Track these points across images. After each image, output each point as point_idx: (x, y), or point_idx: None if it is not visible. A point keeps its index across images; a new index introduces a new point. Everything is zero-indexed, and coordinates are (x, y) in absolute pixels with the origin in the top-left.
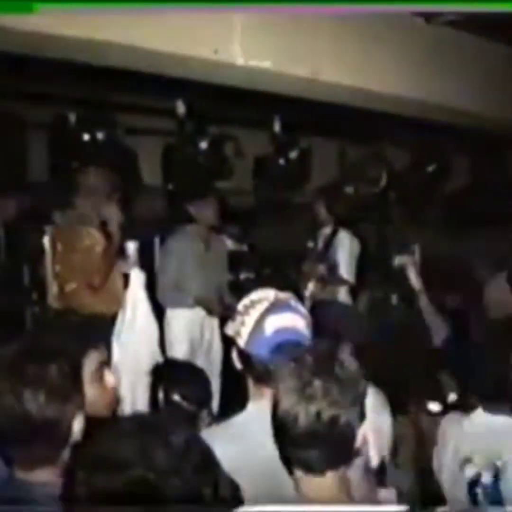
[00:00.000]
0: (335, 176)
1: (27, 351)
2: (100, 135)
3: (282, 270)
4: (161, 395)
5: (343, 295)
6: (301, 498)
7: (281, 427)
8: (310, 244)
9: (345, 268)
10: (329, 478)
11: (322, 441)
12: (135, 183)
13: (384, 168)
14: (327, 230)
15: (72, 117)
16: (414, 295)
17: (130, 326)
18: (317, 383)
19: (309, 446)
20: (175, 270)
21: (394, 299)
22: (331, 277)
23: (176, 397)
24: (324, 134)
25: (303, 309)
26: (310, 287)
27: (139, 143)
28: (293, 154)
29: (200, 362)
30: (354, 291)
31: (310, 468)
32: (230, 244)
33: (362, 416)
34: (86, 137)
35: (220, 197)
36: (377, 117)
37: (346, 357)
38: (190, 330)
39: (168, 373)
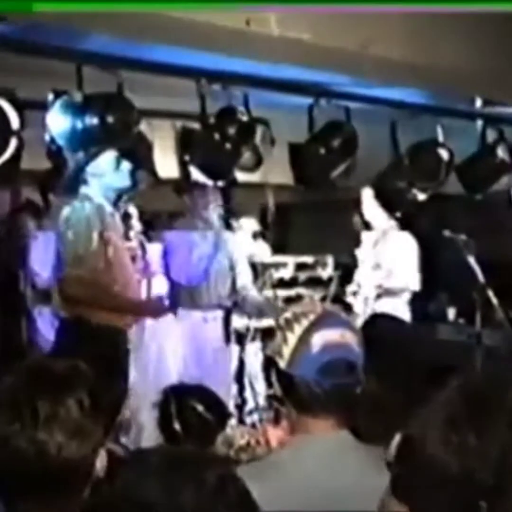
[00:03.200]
0: (385, 168)
1: (38, 380)
2: (110, 118)
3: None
4: (173, 408)
5: (401, 306)
6: None
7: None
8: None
9: (405, 274)
10: None
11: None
12: (150, 174)
13: (443, 160)
14: (375, 234)
15: (77, 96)
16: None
17: (151, 342)
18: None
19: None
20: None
21: (451, 313)
22: (389, 285)
23: (196, 406)
24: (374, 119)
25: (354, 323)
26: (368, 299)
27: (155, 127)
28: (335, 142)
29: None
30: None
31: None
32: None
33: None
34: (94, 120)
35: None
36: (436, 98)
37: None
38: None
39: (181, 388)
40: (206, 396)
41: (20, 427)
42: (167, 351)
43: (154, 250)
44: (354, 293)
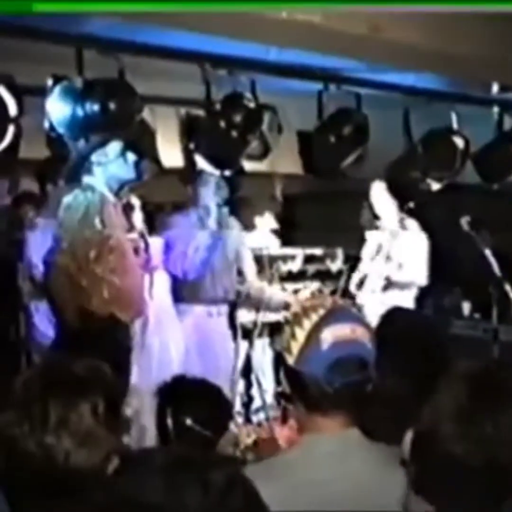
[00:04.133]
0: (398, 157)
1: (53, 381)
2: (111, 105)
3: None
4: (169, 420)
5: (407, 300)
6: None
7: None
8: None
9: (414, 268)
10: None
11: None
12: (153, 163)
13: (459, 148)
14: (385, 226)
15: (78, 82)
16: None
17: (153, 339)
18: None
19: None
20: None
21: (466, 308)
22: (398, 278)
23: (187, 421)
24: (386, 105)
25: (366, 318)
26: (374, 291)
27: (158, 114)
28: (346, 130)
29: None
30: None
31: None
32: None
33: None
34: (95, 106)
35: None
36: (450, 84)
37: None
38: None
39: (178, 392)
40: (206, 398)
41: (29, 428)
42: (171, 348)
43: (155, 244)
44: (361, 284)
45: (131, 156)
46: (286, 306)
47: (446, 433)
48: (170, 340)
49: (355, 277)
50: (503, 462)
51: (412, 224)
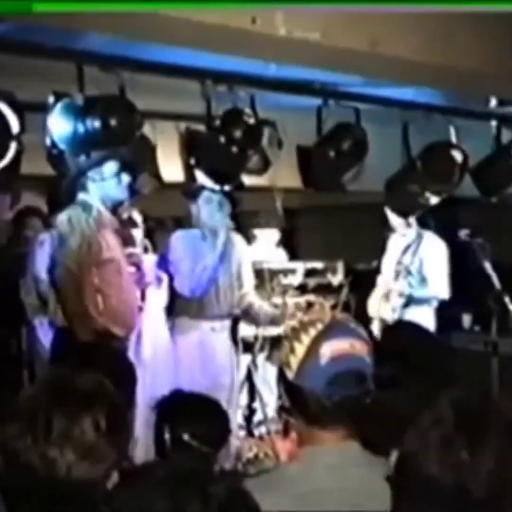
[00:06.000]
0: (397, 171)
1: (56, 394)
2: (112, 121)
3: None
4: (167, 435)
5: (428, 315)
6: None
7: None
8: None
9: (436, 282)
10: None
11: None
12: (154, 178)
13: (457, 162)
14: (407, 237)
15: (79, 98)
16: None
17: (146, 353)
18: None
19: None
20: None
21: (466, 320)
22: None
23: (185, 436)
24: (384, 120)
25: (364, 332)
26: (395, 307)
27: (158, 130)
28: (345, 144)
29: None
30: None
31: None
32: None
33: None
34: (96, 123)
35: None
36: (449, 98)
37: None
38: None
39: (176, 407)
40: (203, 414)
41: (32, 441)
42: (163, 362)
43: (149, 260)
44: (385, 299)
45: (125, 177)
46: (273, 321)
47: (426, 459)
48: (162, 355)
49: (375, 294)
50: (473, 488)
51: (430, 235)
